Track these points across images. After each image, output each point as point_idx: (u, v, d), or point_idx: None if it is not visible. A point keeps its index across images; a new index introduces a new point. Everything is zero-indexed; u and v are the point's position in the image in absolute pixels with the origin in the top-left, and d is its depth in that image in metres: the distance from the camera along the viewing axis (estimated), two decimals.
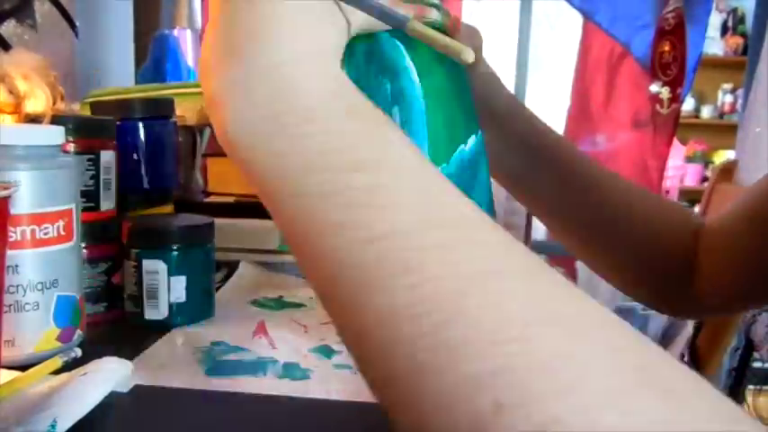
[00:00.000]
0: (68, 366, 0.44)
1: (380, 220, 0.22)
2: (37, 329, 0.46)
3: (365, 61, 0.33)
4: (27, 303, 0.45)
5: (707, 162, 3.46)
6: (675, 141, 1.97)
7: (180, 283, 0.55)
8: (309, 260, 0.24)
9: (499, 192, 0.51)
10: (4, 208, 0.41)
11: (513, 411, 0.18)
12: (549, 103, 2.31)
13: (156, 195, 0.68)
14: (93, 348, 0.49)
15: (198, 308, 0.57)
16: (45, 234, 0.46)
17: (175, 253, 0.54)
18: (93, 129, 0.56)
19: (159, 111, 0.68)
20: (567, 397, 0.18)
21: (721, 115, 3.52)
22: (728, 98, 3.47)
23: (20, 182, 0.44)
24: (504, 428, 0.18)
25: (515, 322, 0.20)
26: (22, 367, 0.43)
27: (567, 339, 0.20)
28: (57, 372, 0.43)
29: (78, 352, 0.46)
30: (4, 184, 0.42)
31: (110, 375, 0.41)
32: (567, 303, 0.21)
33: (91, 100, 0.80)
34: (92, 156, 0.55)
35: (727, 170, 1.28)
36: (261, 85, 0.25)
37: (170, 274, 0.54)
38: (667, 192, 1.98)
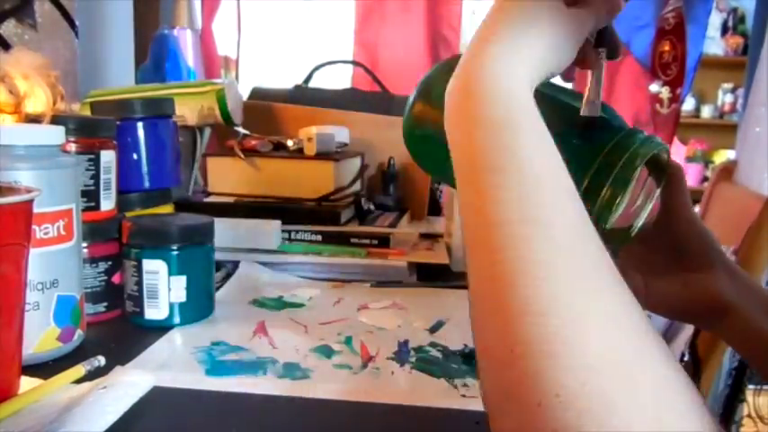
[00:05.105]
0: (91, 375, 0.43)
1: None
2: (37, 329, 0.46)
3: None
4: (27, 303, 0.44)
5: (707, 162, 3.46)
6: (676, 141, 1.97)
7: (180, 283, 0.55)
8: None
9: None
10: (29, 210, 0.41)
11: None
12: None
13: (156, 195, 0.68)
14: (94, 348, 0.49)
15: (198, 308, 0.57)
16: (45, 234, 0.46)
17: (175, 253, 0.54)
18: (93, 129, 0.56)
19: (159, 111, 0.68)
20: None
21: (721, 115, 3.52)
22: (728, 98, 3.47)
23: (20, 182, 0.44)
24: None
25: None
26: (26, 368, 0.43)
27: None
28: (78, 381, 0.43)
29: (102, 360, 0.45)
30: (29, 187, 0.42)
31: (130, 391, 0.41)
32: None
33: (91, 100, 0.80)
34: (92, 156, 0.55)
35: (727, 170, 1.28)
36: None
37: (170, 274, 0.54)
38: None
